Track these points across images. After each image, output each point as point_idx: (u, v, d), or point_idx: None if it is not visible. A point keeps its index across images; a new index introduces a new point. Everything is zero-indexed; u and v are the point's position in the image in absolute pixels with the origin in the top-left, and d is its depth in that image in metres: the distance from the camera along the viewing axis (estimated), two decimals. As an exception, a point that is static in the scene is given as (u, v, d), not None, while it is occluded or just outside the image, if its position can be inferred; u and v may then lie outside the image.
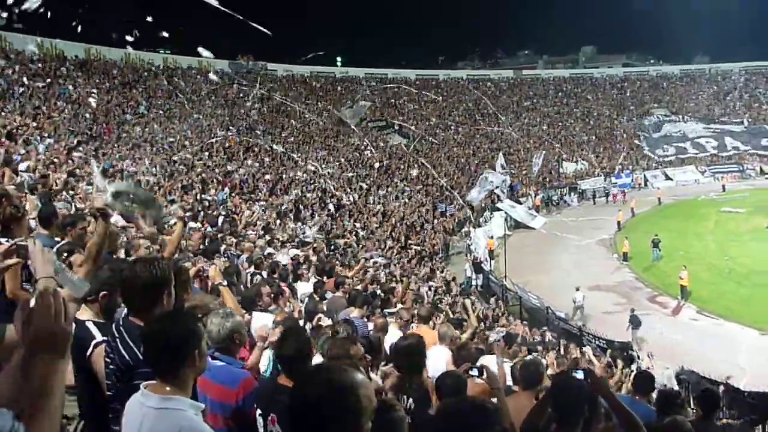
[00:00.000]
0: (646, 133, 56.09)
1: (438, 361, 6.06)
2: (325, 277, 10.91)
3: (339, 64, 59.35)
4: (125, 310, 3.23)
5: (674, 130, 56.45)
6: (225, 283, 5.01)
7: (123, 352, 2.95)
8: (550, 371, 9.57)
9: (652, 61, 73.84)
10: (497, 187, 36.33)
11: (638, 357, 18.87)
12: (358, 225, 28.30)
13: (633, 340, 20.89)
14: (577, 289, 24.33)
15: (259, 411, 3.40)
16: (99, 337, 3.33)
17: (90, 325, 3.43)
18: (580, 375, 3.74)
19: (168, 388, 2.41)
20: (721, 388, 15.56)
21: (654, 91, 63.79)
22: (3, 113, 22.64)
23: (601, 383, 3.85)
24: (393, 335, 7.66)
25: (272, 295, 7.17)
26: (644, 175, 49.95)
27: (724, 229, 33.30)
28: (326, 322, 6.57)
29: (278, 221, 21.58)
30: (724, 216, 36.10)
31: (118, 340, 2.99)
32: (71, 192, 12.29)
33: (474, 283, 27.38)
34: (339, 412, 1.84)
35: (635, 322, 21.78)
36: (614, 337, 20.42)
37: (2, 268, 3.18)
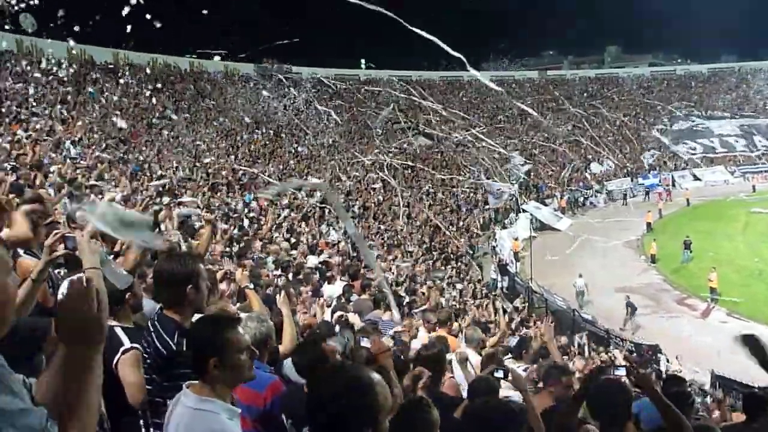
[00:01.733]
0: (673, 131, 55.38)
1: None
2: (350, 280, 10.96)
3: (363, 66, 59.37)
4: (159, 306, 3.29)
5: (702, 128, 55.65)
6: (252, 286, 5.05)
7: (158, 344, 3.02)
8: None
9: (678, 60, 72.76)
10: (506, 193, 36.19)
11: (668, 360, 18.66)
12: (383, 227, 28.29)
13: (631, 328, 22.03)
14: (580, 276, 25.20)
15: (290, 420, 3.42)
16: (127, 343, 3.35)
17: (119, 331, 3.44)
18: (621, 372, 3.68)
19: (206, 390, 2.45)
20: (752, 391, 15.31)
21: (682, 90, 62.96)
22: (34, 118, 23.02)
23: (646, 380, 3.78)
24: (421, 338, 7.70)
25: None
26: (672, 176, 49.26)
27: (755, 231, 32.70)
28: (355, 320, 6.59)
29: (303, 223, 21.70)
30: (754, 217, 35.46)
31: (153, 334, 3.06)
32: (99, 195, 12.50)
33: (499, 285, 27.24)
34: (355, 408, 1.88)
35: (632, 308, 22.68)
36: (642, 339, 20.20)
37: (53, 259, 3.21)
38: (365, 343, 4.50)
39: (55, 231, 3.39)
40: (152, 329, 3.07)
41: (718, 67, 66.40)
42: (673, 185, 47.92)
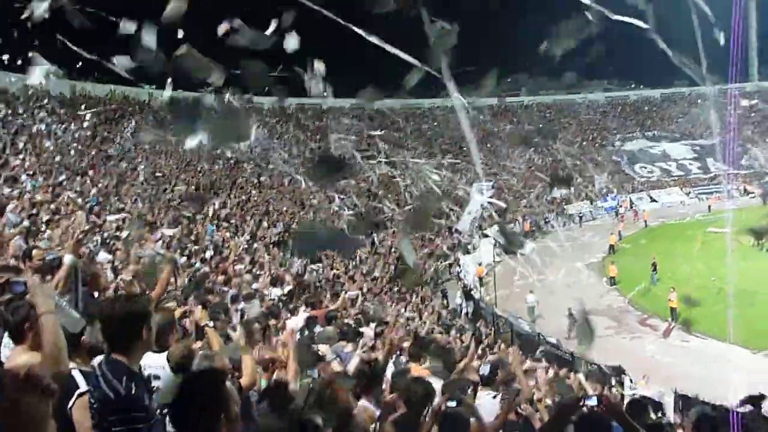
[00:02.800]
0: (629, 154, 56.81)
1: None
2: (310, 309, 10.85)
3: (326, 95, 59.60)
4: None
5: (658, 151, 57.21)
6: (211, 324, 4.95)
7: (106, 389, 2.93)
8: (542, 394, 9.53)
9: (632, 86, 74.62)
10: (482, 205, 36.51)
11: (631, 381, 18.81)
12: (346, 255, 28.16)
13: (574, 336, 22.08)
14: (531, 292, 26.43)
15: None
16: (83, 386, 3.26)
17: (76, 374, 3.35)
18: (593, 402, 3.69)
19: None
20: (715, 409, 15.53)
21: (636, 114, 64.72)
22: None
23: (616, 409, 3.81)
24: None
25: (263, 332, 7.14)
26: (630, 198, 50.37)
27: (711, 250, 33.45)
28: (328, 354, 6.49)
29: (266, 254, 21.48)
30: (710, 236, 36.31)
31: (100, 378, 2.97)
32: (56, 229, 12.22)
33: (464, 310, 27.28)
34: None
35: (574, 318, 23.06)
36: (605, 361, 20.34)
37: None
38: (313, 373, 4.41)
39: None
40: (99, 373, 2.98)
41: (670, 92, 68.38)
42: (631, 207, 49.01)
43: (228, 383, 3.46)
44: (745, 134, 58.49)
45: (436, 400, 4.77)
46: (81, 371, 3.40)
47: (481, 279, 31.42)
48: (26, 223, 11.40)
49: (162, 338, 3.86)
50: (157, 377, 3.97)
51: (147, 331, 3.05)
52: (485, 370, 6.88)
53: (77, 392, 3.23)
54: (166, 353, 4.08)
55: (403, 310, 20.26)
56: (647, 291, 28.63)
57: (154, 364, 3.96)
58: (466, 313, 27.09)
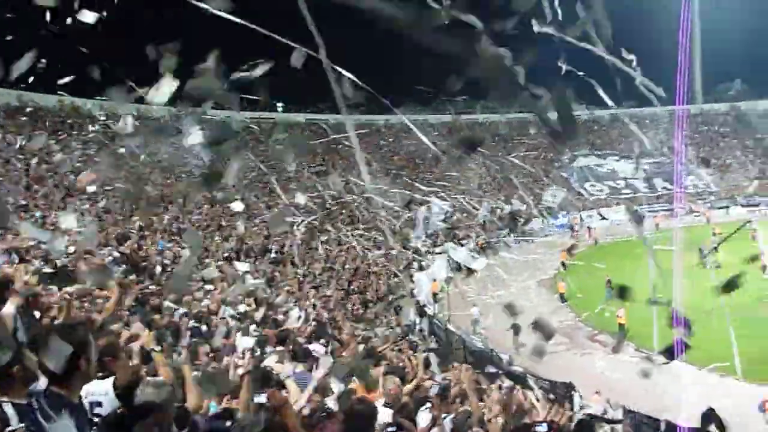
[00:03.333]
0: (579, 173, 58.10)
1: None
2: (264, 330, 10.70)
3: (280, 109, 59.37)
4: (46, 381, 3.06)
5: (607, 170, 58.69)
6: (158, 348, 4.84)
7: (43, 422, 2.82)
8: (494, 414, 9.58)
9: (583, 105, 76.32)
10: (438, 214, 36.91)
11: (581, 397, 19.11)
12: (300, 271, 27.96)
13: (516, 346, 23.73)
14: (474, 305, 27.20)
15: None
16: (15, 423, 2.95)
17: (7, 408, 3.03)
18: (543, 429, 3.73)
19: None
20: (662, 425, 15.90)
21: (586, 133, 66.20)
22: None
23: None
24: (336, 386, 7.57)
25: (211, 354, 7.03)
26: (580, 215, 51.44)
27: (659, 267, 34.21)
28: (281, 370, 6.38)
29: (219, 270, 21.14)
30: (657, 254, 37.15)
31: (38, 411, 2.86)
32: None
33: (417, 327, 27.32)
34: None
35: (517, 329, 23.90)
36: (556, 377, 20.61)
37: None
38: (260, 398, 4.34)
39: None
40: (37, 407, 2.87)
41: (619, 112, 70.23)
42: (582, 224, 50.10)
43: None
44: (691, 154, 60.49)
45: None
46: (13, 404, 3.08)
47: (435, 295, 31.55)
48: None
49: (105, 364, 3.75)
50: (99, 404, 3.85)
51: (86, 362, 2.95)
52: (435, 390, 6.90)
53: (8, 430, 2.93)
54: (110, 379, 3.97)
55: (356, 327, 20.14)
56: (605, 308, 29.06)
57: (97, 391, 3.85)
58: (420, 330, 27.12)
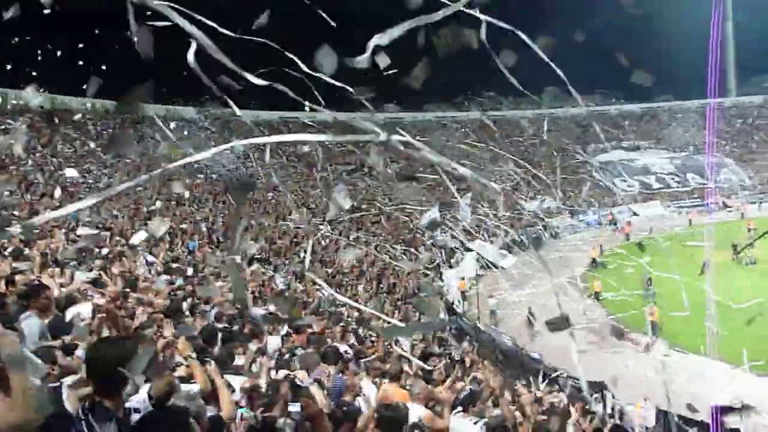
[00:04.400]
0: (609, 168, 57.41)
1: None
2: (294, 331, 10.74)
3: (307, 108, 59.45)
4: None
5: (639, 165, 57.91)
6: (194, 355, 4.90)
7: None
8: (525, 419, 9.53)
9: (614, 100, 75.46)
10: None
11: (613, 396, 18.89)
12: (329, 270, 28.08)
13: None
14: (491, 296, 28.13)
15: None
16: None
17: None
18: None
19: None
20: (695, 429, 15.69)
21: (616, 129, 65.38)
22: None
23: None
24: (366, 388, 7.60)
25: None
26: (612, 212, 50.83)
27: (692, 264, 33.69)
28: (303, 377, 6.43)
29: (247, 270, 21.34)
30: (690, 250, 36.61)
31: (83, 422, 2.93)
32: (34, 248, 12.04)
33: (447, 325, 27.24)
34: None
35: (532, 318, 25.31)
36: (586, 375, 20.38)
37: None
38: (294, 407, 4.38)
39: None
40: (83, 417, 2.94)
41: (650, 106, 69.25)
42: (613, 220, 49.47)
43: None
44: (724, 149, 59.42)
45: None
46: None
47: (463, 293, 31.46)
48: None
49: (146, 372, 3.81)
50: (137, 410, 3.93)
51: (132, 377, 3.02)
52: (467, 393, 6.89)
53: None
54: (147, 386, 4.04)
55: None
56: (621, 304, 28.73)
57: (135, 397, 3.92)
58: (450, 328, 27.05)
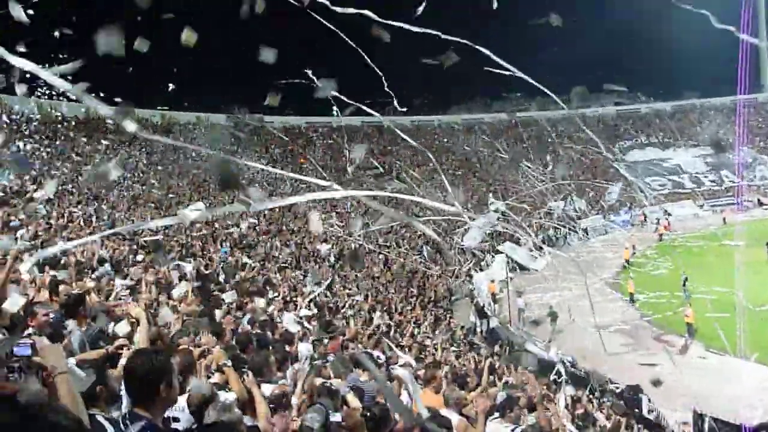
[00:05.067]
0: (640, 167, 56.70)
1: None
2: (325, 338, 10.77)
3: (335, 113, 59.75)
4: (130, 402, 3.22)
5: (671, 165, 57.09)
6: (229, 363, 4.95)
7: None
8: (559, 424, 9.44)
9: (643, 99, 74.47)
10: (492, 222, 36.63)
11: (649, 400, 18.60)
12: (360, 274, 28.13)
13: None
14: (519, 295, 28.85)
15: None
16: (111, 430, 3.22)
17: (101, 419, 3.34)
18: None
19: None
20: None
21: (647, 127, 64.56)
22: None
23: None
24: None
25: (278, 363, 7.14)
26: (644, 212, 50.14)
27: (727, 263, 33.04)
28: (339, 384, 6.40)
29: (278, 274, 21.51)
30: (725, 249, 35.95)
31: None
32: (71, 256, 12.23)
33: (478, 329, 27.14)
34: None
35: (554, 317, 25.98)
36: (620, 378, 20.13)
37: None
38: (336, 417, 4.40)
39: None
40: (123, 428, 3.00)
41: (681, 104, 68.20)
42: (646, 221, 48.79)
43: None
44: (758, 145, 58.27)
45: None
46: (106, 418, 3.41)
47: (494, 296, 31.28)
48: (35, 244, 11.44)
49: (182, 382, 3.87)
50: (176, 419, 3.99)
51: (168, 388, 3.06)
52: (501, 399, 6.85)
53: None
54: (186, 395, 4.10)
55: (416, 330, 20.10)
56: (655, 306, 28.25)
57: (175, 406, 3.97)
58: (481, 332, 26.94)
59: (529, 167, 53.76)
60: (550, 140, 60.74)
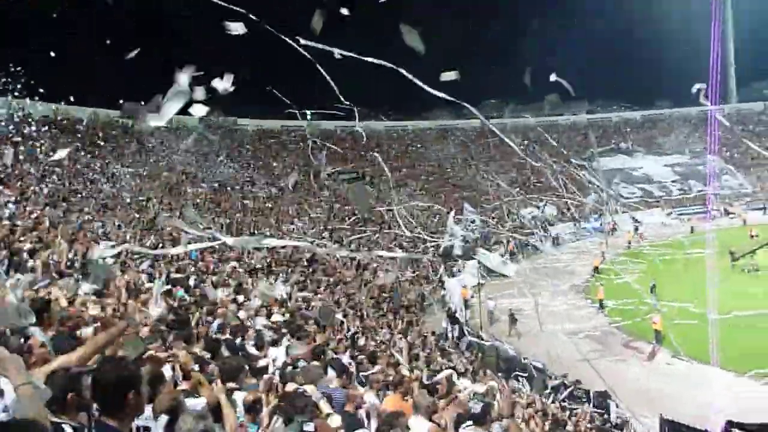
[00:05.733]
0: (609, 175, 57.48)
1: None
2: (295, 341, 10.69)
3: (309, 117, 59.50)
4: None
5: (640, 173, 57.96)
6: (197, 368, 4.88)
7: None
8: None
9: (614, 107, 75.52)
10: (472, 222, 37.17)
11: (617, 405, 18.83)
12: (331, 279, 28.05)
13: (516, 335, 26.45)
14: (489, 298, 29.80)
15: None
16: None
17: (66, 428, 3.30)
18: None
19: None
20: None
21: (617, 136, 65.56)
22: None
23: None
24: (369, 399, 7.58)
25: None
26: (613, 219, 50.79)
27: (693, 271, 33.58)
28: (313, 391, 6.36)
29: (250, 279, 21.33)
30: (692, 258, 36.55)
31: None
32: (38, 260, 11.99)
33: (449, 334, 27.19)
34: None
35: (513, 318, 27.10)
36: (590, 384, 20.36)
37: None
38: (309, 427, 4.37)
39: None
40: None
41: (651, 113, 69.31)
42: (615, 228, 49.46)
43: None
44: (725, 155, 59.40)
45: None
46: (72, 426, 3.35)
47: (466, 302, 31.40)
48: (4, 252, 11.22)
49: (152, 392, 3.81)
50: (147, 429, 3.92)
51: (136, 397, 3.03)
52: (476, 408, 6.85)
53: None
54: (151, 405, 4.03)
55: (389, 336, 20.08)
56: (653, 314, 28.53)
57: (143, 415, 3.91)
58: (452, 337, 27.00)
59: (499, 174, 54.25)
60: (522, 147, 61.22)
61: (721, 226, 46.35)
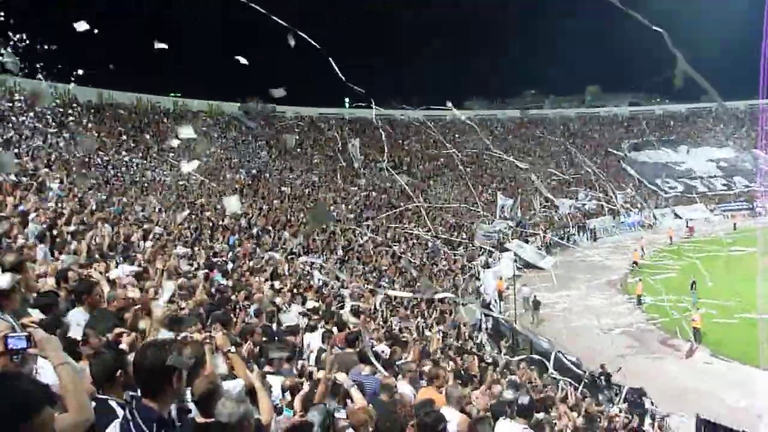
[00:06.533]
0: (651, 168, 56.44)
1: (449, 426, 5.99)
2: (335, 329, 10.80)
3: (347, 105, 59.64)
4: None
5: (683, 168, 56.77)
6: (233, 349, 4.94)
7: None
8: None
9: (658, 100, 73.94)
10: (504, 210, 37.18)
11: (652, 403, 18.56)
12: (367, 268, 28.17)
13: (536, 321, 27.10)
14: (524, 285, 29.97)
15: None
16: (121, 414, 3.27)
17: (113, 404, 3.47)
18: None
19: None
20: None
21: (660, 129, 64.16)
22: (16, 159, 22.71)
23: None
24: (403, 388, 7.60)
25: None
26: (653, 214, 49.92)
27: (736, 269, 32.88)
28: (344, 380, 6.39)
29: (287, 266, 21.51)
30: (735, 255, 35.79)
31: (130, 422, 3.01)
32: (82, 241, 12.21)
33: (483, 325, 27.08)
34: None
35: (536, 304, 27.92)
36: (624, 380, 20.06)
37: None
38: (341, 414, 4.40)
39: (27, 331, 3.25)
40: (130, 417, 3.02)
41: (696, 107, 67.62)
42: (654, 223, 48.62)
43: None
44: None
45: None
46: (118, 402, 3.51)
47: (500, 293, 31.22)
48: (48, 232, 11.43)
49: (192, 375, 3.86)
50: (189, 411, 4.00)
51: (178, 381, 3.08)
52: (521, 399, 6.82)
53: (116, 421, 3.17)
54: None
55: (422, 324, 20.08)
56: (661, 309, 28.04)
57: (186, 397, 3.98)
58: (486, 329, 26.89)
59: (542, 165, 53.64)
60: (562, 139, 60.54)
61: (765, 224, 45.17)
